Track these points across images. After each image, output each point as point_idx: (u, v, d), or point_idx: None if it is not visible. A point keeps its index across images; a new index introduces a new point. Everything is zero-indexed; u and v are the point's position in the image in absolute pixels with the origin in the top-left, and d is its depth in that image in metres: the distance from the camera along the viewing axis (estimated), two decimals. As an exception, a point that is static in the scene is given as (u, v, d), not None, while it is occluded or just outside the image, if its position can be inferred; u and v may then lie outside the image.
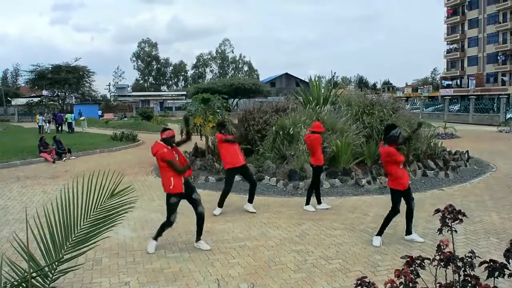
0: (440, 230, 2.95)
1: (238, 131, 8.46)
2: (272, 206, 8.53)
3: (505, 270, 2.53)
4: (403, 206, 6.19)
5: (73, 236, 2.74)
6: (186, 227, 6.94)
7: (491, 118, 35.49)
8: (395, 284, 2.51)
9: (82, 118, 35.82)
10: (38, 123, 30.69)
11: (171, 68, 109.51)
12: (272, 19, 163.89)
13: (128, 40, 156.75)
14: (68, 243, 2.70)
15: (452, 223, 2.89)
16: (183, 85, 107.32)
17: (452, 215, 2.88)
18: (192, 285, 4.95)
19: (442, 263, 2.69)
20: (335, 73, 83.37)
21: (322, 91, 14.72)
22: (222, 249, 6.12)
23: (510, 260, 2.55)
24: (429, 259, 2.73)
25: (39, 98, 53.14)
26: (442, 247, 2.71)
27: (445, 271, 2.72)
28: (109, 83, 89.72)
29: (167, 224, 5.99)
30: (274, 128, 12.11)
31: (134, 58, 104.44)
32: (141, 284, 4.98)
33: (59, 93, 52.58)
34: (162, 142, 5.95)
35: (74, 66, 51.56)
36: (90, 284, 5.00)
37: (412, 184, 7.80)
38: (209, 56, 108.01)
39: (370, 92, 15.22)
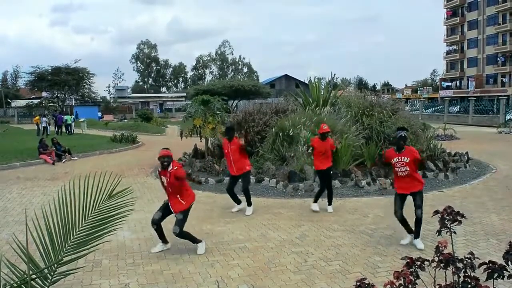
0: (439, 232, 2.96)
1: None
2: (271, 208, 8.53)
3: (504, 271, 2.53)
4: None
5: (72, 238, 2.74)
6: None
7: (490, 120, 35.53)
8: (394, 286, 2.51)
9: (82, 119, 35.82)
10: (41, 124, 30.69)
11: (170, 69, 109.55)
12: (271, 20, 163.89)
13: (128, 42, 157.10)
14: (67, 245, 2.70)
15: (451, 225, 2.89)
16: (182, 86, 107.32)
17: (451, 217, 2.89)
18: (192, 286, 4.94)
19: (441, 265, 2.69)
20: (334, 74, 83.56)
21: (322, 93, 14.73)
22: (221, 250, 6.11)
23: (509, 262, 2.55)
24: (428, 260, 2.73)
25: (38, 100, 53.13)
26: (441, 248, 2.71)
27: (445, 272, 2.72)
28: (109, 85, 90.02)
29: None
30: (273, 129, 12.12)
31: (133, 60, 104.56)
32: (141, 286, 4.98)
33: (58, 95, 52.53)
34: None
35: (74, 67, 51.54)
36: (90, 286, 4.99)
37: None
38: (208, 58, 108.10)
39: (370, 94, 15.23)
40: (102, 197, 2.90)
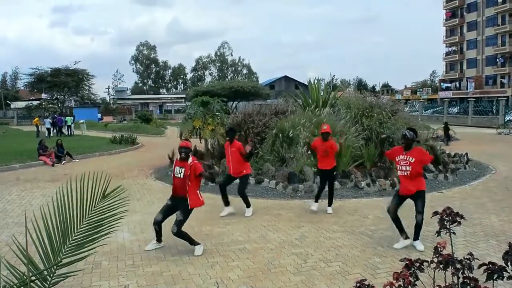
0: (438, 233, 2.95)
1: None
2: (271, 209, 8.53)
3: (504, 272, 2.53)
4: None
5: (71, 239, 2.74)
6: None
7: (490, 120, 35.58)
8: (394, 287, 2.51)
9: (81, 121, 35.83)
10: (44, 126, 30.75)
11: (170, 71, 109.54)
12: (271, 21, 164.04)
13: (127, 43, 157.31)
14: (66, 247, 2.70)
15: (451, 226, 2.89)
16: (182, 88, 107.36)
17: (450, 218, 2.89)
18: (192, 288, 4.94)
19: (441, 266, 2.69)
20: (334, 75, 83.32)
21: (321, 94, 14.75)
22: (221, 252, 6.11)
23: (509, 263, 2.55)
24: (427, 261, 2.73)
25: (38, 102, 53.11)
26: (440, 249, 2.71)
27: (444, 273, 2.72)
28: (109, 86, 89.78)
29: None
30: (273, 131, 12.12)
31: (132, 61, 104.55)
32: (141, 287, 4.98)
33: (58, 96, 52.50)
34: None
35: (74, 69, 51.49)
36: (89, 287, 5.00)
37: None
38: (208, 59, 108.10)
39: (369, 95, 15.23)
40: (97, 198, 2.90)
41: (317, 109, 13.12)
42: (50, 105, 50.27)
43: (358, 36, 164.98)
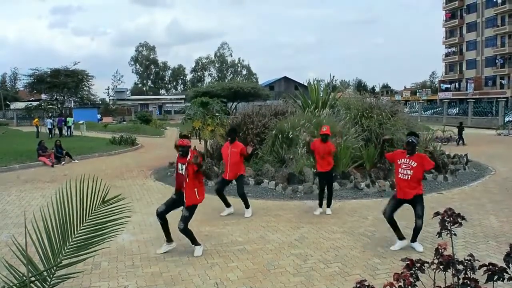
0: (439, 234, 2.96)
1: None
2: (271, 210, 8.53)
3: (504, 274, 2.53)
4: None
5: (71, 241, 2.73)
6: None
7: (489, 121, 35.59)
8: (394, 287, 2.51)
9: (81, 122, 35.82)
10: (46, 126, 30.76)
11: (169, 71, 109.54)
12: (271, 22, 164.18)
13: (127, 44, 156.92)
14: (66, 248, 2.69)
15: (452, 227, 2.89)
16: (182, 88, 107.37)
17: (451, 219, 2.89)
18: (191, 289, 4.94)
19: (441, 267, 2.69)
20: (333, 76, 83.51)
21: (321, 95, 14.74)
22: (221, 252, 6.11)
23: (510, 264, 2.55)
24: (428, 262, 2.73)
25: (37, 102, 53.12)
26: (440, 250, 2.71)
27: (444, 274, 2.72)
28: (108, 87, 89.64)
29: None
30: (273, 131, 12.12)
31: (132, 62, 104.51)
32: (140, 288, 4.98)
33: (57, 97, 52.55)
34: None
35: (73, 70, 51.57)
36: (89, 288, 4.99)
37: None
38: (207, 60, 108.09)
39: (369, 96, 15.23)
40: (97, 202, 2.89)
41: (316, 110, 13.12)
42: (50, 106, 50.28)
43: (358, 37, 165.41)
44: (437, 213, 3.04)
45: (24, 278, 2.39)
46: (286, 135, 11.56)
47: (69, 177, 12.66)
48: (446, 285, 2.64)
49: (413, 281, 2.56)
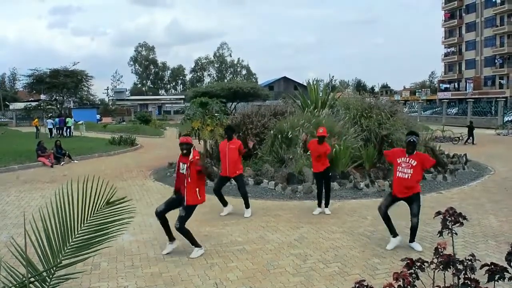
0: (440, 233, 2.96)
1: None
2: (270, 210, 8.53)
3: (505, 273, 2.53)
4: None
5: (70, 241, 2.73)
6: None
7: (489, 121, 35.62)
8: (393, 287, 2.51)
9: (80, 122, 35.81)
10: (47, 126, 30.74)
11: (169, 72, 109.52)
12: (271, 22, 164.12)
13: (127, 44, 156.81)
14: (65, 249, 2.69)
15: (453, 226, 2.89)
16: (181, 89, 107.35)
17: (453, 218, 2.89)
18: (191, 289, 4.93)
19: (441, 266, 2.69)
20: (333, 76, 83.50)
21: (320, 95, 14.76)
22: (220, 253, 6.11)
23: (511, 264, 2.55)
24: (427, 262, 2.73)
25: (37, 103, 53.10)
26: (440, 250, 2.71)
27: (444, 274, 2.72)
28: (108, 87, 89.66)
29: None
30: (272, 131, 12.12)
31: (131, 62, 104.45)
32: (140, 289, 4.97)
33: (57, 97, 52.51)
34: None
35: (72, 70, 51.55)
36: (88, 289, 4.98)
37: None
38: (207, 60, 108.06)
39: (368, 96, 15.25)
40: (100, 203, 2.89)
41: (316, 110, 13.12)
42: (49, 106, 50.28)
43: (358, 37, 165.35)
44: (438, 213, 3.04)
45: (24, 279, 2.39)
46: (285, 135, 11.57)
47: (69, 178, 12.68)
48: (446, 285, 2.64)
49: (412, 280, 2.56)
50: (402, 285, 2.53)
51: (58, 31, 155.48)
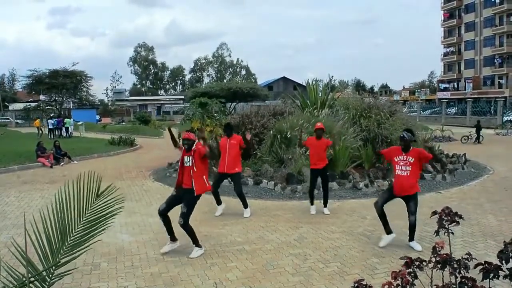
0: (437, 232, 2.97)
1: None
2: (269, 210, 8.54)
3: (499, 271, 2.54)
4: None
5: (69, 240, 2.75)
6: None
7: (488, 121, 35.63)
8: (392, 286, 2.52)
9: (80, 122, 35.80)
10: (47, 127, 30.75)
11: (168, 72, 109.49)
12: (271, 22, 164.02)
13: (126, 44, 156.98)
14: (64, 247, 2.70)
15: (449, 225, 2.91)
16: (181, 89, 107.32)
17: (449, 217, 2.90)
18: (190, 289, 4.94)
19: (438, 265, 2.70)
20: (332, 76, 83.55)
21: (320, 95, 14.77)
22: (220, 253, 6.11)
23: (503, 261, 2.57)
24: (426, 261, 2.74)
25: (36, 103, 53.08)
26: (438, 249, 2.73)
27: (442, 273, 2.73)
28: (107, 88, 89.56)
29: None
30: (271, 132, 12.13)
31: (131, 63, 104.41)
32: (139, 289, 4.98)
33: (56, 98, 52.48)
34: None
35: (72, 70, 51.50)
36: (88, 289, 4.99)
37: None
38: (206, 61, 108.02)
39: (368, 96, 15.26)
40: (92, 197, 2.93)
41: (315, 110, 13.14)
42: (48, 107, 50.27)
43: (358, 37, 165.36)
44: (434, 212, 3.06)
45: (24, 278, 2.40)
46: (284, 135, 11.58)
47: (68, 178, 12.69)
48: (444, 284, 2.65)
49: (410, 279, 2.57)
50: (400, 284, 2.54)
51: (57, 31, 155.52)
